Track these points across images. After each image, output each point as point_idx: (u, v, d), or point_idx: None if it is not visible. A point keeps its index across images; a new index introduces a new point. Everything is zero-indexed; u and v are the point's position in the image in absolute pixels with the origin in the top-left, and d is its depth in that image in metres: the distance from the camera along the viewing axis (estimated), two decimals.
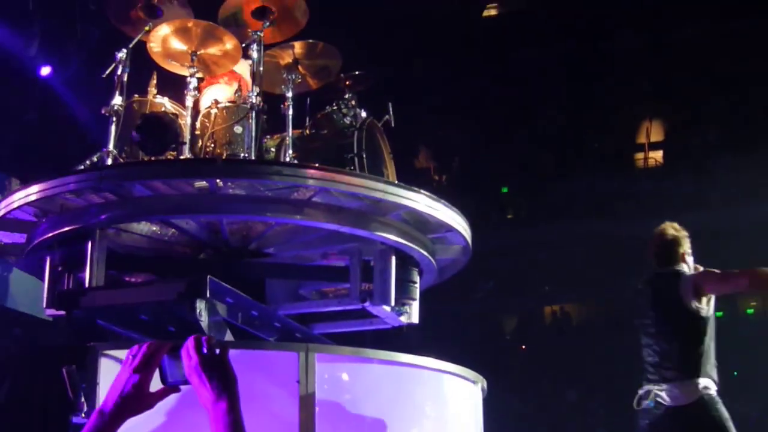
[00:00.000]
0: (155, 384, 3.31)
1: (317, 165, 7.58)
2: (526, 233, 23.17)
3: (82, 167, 7.82)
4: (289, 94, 8.19)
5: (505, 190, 25.65)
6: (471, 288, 19.91)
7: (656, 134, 25.64)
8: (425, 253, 7.77)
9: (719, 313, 22.19)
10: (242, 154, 7.86)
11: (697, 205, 21.64)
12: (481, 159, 24.44)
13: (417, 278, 7.84)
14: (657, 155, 25.51)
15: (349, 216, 7.31)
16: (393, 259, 7.56)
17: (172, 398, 3.45)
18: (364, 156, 7.97)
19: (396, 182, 7.74)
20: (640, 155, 25.61)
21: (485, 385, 7.39)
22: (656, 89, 23.51)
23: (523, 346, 24.32)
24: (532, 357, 23.50)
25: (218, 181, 7.04)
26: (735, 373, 21.53)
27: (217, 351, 3.28)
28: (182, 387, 3.33)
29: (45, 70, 16.28)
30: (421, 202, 7.37)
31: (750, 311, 24.30)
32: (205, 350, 3.24)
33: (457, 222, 7.74)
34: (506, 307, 24.56)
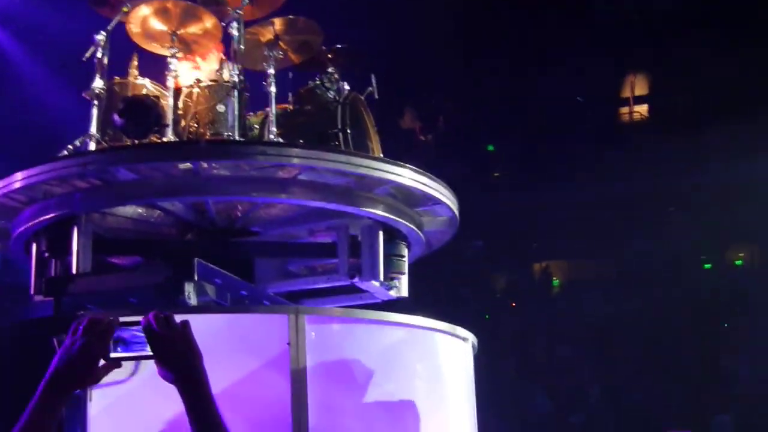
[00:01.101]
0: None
1: (301, 143, 7.59)
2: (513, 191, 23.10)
3: (66, 153, 7.79)
4: (271, 71, 8.13)
5: (491, 148, 25.61)
6: (460, 248, 19.85)
7: (641, 88, 25.61)
8: (412, 227, 7.78)
9: (707, 265, 22.28)
10: (226, 133, 7.82)
11: (688, 160, 21.65)
12: (468, 118, 24.38)
13: (405, 252, 7.85)
14: (642, 109, 25.51)
15: (334, 193, 7.32)
16: (380, 233, 7.58)
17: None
18: (349, 131, 7.95)
19: (380, 157, 7.74)
20: (625, 110, 25.61)
21: (476, 342, 7.42)
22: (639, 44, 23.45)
23: (513, 304, 24.34)
24: (523, 314, 23.54)
25: (203, 162, 7.03)
26: (725, 324, 21.69)
27: (180, 327, 3.23)
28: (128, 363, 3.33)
29: None
30: (406, 176, 7.37)
31: (739, 262, 24.39)
32: (161, 327, 3.19)
33: (443, 194, 7.74)
34: (496, 266, 24.55)
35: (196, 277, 6.57)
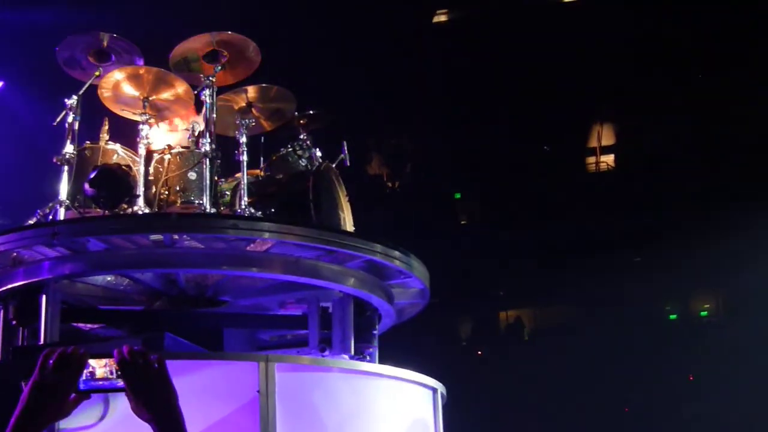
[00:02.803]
0: None
1: (273, 217, 7.57)
2: (479, 238, 23.12)
3: (35, 220, 7.73)
4: (243, 140, 8.08)
5: (458, 195, 25.65)
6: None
7: (607, 138, 25.73)
8: (384, 300, 7.75)
9: (673, 316, 22.35)
10: (197, 202, 7.78)
11: (650, 207, 21.79)
12: (434, 165, 24.42)
13: (376, 325, 7.81)
14: (609, 159, 25.62)
15: (305, 267, 7.28)
16: (351, 306, 7.54)
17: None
18: (320, 202, 7.92)
19: (352, 231, 7.71)
20: (591, 159, 25.71)
21: (444, 391, 7.42)
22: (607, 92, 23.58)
23: (479, 352, 24.35)
24: (489, 362, 23.55)
25: (174, 235, 6.99)
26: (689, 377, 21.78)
27: (156, 364, 3.13)
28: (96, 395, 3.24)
29: None
30: (378, 250, 7.35)
31: (704, 314, 24.49)
32: (136, 360, 3.10)
33: (415, 268, 7.71)
34: (461, 312, 24.54)
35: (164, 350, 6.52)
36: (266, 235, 6.99)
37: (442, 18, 25.40)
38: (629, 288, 22.09)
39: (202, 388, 5.98)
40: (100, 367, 3.12)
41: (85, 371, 3.11)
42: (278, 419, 6.03)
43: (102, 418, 5.64)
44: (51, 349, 3.15)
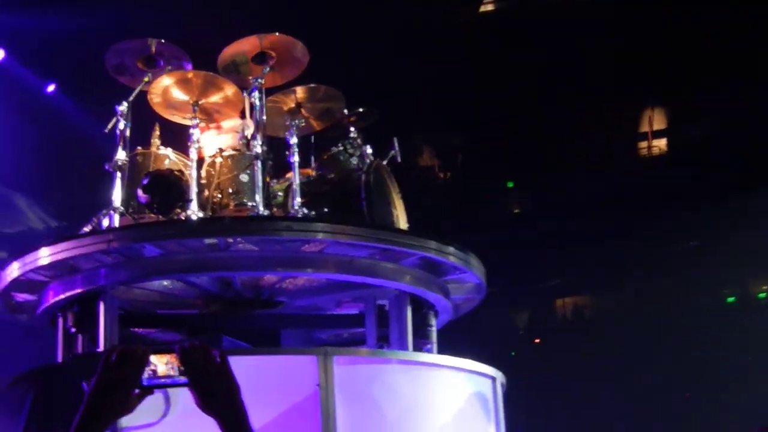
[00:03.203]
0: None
1: (326, 217, 7.57)
2: (533, 227, 23.04)
3: (90, 227, 7.77)
4: (294, 140, 8.06)
5: (510, 184, 25.52)
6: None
7: (659, 122, 25.48)
8: (440, 296, 7.73)
9: (731, 299, 22.17)
10: (250, 204, 7.79)
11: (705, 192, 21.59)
12: (486, 155, 24.32)
13: (433, 321, 7.80)
14: (661, 143, 25.39)
15: (360, 266, 7.28)
16: (408, 303, 7.52)
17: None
18: (373, 200, 7.90)
19: (406, 229, 7.70)
20: (644, 144, 25.47)
21: (503, 380, 7.43)
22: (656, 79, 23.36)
23: (537, 340, 24.25)
24: (546, 350, 23.46)
25: (228, 238, 7.01)
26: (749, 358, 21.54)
27: (218, 359, 3.12)
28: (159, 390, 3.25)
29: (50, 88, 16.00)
30: (432, 247, 7.33)
31: (762, 295, 24.22)
32: (199, 355, 3.09)
33: (470, 263, 7.69)
34: (517, 301, 24.45)
35: None
36: (320, 235, 7.00)
37: (489, 8, 25.28)
38: (686, 273, 21.92)
39: (262, 383, 6.01)
40: (162, 364, 3.12)
41: (147, 368, 3.11)
42: (338, 412, 6.08)
43: (164, 415, 5.68)
44: (114, 346, 3.19)
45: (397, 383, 6.53)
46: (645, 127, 25.20)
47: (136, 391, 3.10)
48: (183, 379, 3.10)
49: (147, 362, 3.11)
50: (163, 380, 3.13)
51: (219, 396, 3.10)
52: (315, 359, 6.16)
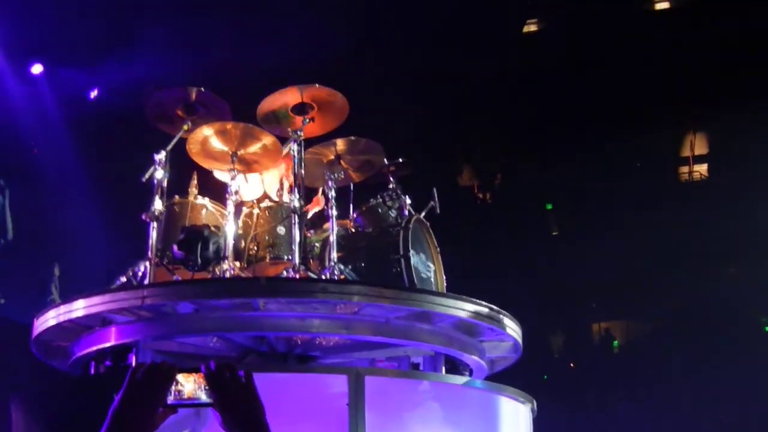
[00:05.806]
0: None
1: (362, 272, 7.53)
2: (571, 249, 22.90)
3: (124, 278, 7.74)
4: (332, 194, 8.02)
5: (549, 206, 25.44)
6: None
7: (700, 147, 25.34)
8: (475, 357, 7.66)
9: None
10: (286, 257, 7.77)
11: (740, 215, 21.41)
12: (525, 176, 24.22)
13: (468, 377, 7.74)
14: (702, 168, 25.23)
15: (395, 328, 7.21)
16: (442, 363, 7.48)
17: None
18: (410, 256, 7.83)
19: (443, 292, 7.63)
20: (685, 169, 25.33)
21: (535, 406, 7.43)
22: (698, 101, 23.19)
23: (572, 364, 24.12)
24: (581, 375, 23.34)
25: (262, 300, 6.96)
26: None
27: (243, 379, 3.14)
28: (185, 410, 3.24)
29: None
30: (469, 309, 7.25)
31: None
32: (225, 375, 3.12)
33: (506, 325, 7.61)
34: (553, 325, 24.34)
35: None
36: (356, 298, 6.93)
37: (533, 28, 25.21)
38: (723, 298, 21.76)
39: (291, 402, 6.00)
40: (188, 383, 3.14)
41: (173, 387, 3.12)
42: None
43: None
44: (140, 363, 3.18)
45: (428, 405, 6.49)
46: (686, 152, 25.12)
47: (161, 409, 3.12)
48: (207, 399, 3.12)
49: (173, 380, 3.13)
50: (188, 399, 3.14)
51: (243, 416, 3.10)
52: (345, 378, 6.14)
